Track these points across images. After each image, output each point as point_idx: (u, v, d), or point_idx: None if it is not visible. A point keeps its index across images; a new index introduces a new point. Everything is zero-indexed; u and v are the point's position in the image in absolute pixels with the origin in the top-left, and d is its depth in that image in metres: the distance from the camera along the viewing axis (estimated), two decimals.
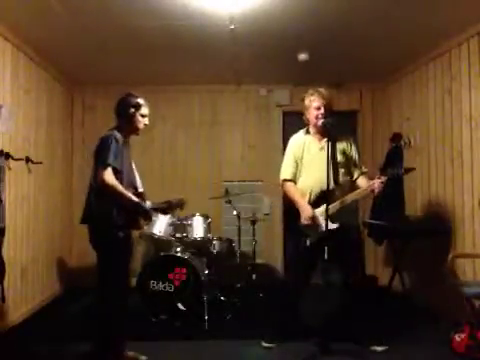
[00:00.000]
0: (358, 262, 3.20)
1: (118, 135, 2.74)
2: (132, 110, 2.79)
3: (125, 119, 2.81)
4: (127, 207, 2.66)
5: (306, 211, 3.02)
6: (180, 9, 3.19)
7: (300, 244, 3.07)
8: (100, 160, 2.64)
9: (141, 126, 2.85)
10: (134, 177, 2.92)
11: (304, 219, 3.00)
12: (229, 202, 4.50)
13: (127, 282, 2.88)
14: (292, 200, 3.15)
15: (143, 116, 2.83)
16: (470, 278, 3.46)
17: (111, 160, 2.60)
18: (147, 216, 2.77)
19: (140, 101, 2.82)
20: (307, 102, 3.15)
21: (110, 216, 2.63)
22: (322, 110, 3.06)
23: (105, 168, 2.59)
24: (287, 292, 3.24)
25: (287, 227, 3.39)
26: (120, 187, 2.63)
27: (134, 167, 2.96)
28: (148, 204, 2.82)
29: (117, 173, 2.65)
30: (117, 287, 2.74)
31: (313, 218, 3.00)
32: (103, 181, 2.58)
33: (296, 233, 3.13)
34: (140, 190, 2.95)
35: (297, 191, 3.15)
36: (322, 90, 3.10)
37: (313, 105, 3.09)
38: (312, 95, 3.11)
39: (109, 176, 2.58)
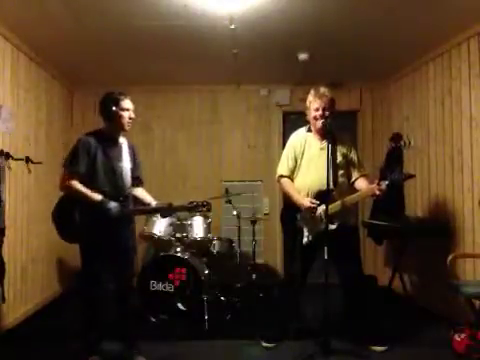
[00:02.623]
0: (358, 263, 3.17)
1: (87, 138, 2.73)
2: (113, 108, 2.75)
3: (109, 118, 2.78)
4: (91, 206, 2.63)
5: (304, 201, 3.01)
6: (180, 9, 3.20)
7: (296, 243, 3.07)
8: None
9: (125, 121, 2.78)
10: (118, 178, 2.77)
11: (306, 206, 3.00)
12: (229, 202, 4.50)
13: (111, 283, 2.80)
14: (288, 195, 3.15)
15: (125, 110, 2.77)
16: (470, 278, 3.46)
17: (68, 164, 2.69)
18: (111, 215, 2.63)
19: (118, 96, 2.77)
20: (308, 102, 3.14)
21: (72, 216, 2.68)
22: (320, 111, 3.04)
23: (63, 172, 2.70)
24: (286, 292, 3.25)
25: (284, 226, 3.36)
26: (77, 188, 2.63)
27: (124, 167, 2.81)
28: (113, 204, 2.64)
29: (74, 175, 2.65)
30: (90, 286, 2.75)
31: (312, 207, 2.99)
32: (59, 184, 2.70)
33: (292, 232, 3.13)
34: (128, 192, 2.81)
35: (293, 187, 3.15)
36: (322, 91, 3.06)
37: (312, 106, 3.08)
38: (312, 96, 3.09)
39: (63, 180, 2.68)
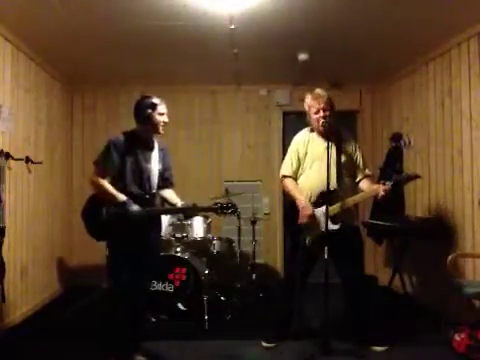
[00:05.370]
0: (360, 264, 3.18)
1: (118, 139, 2.76)
2: (149, 111, 2.76)
3: (144, 121, 2.79)
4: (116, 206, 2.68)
5: (305, 209, 3.01)
6: (180, 9, 3.19)
7: (299, 243, 3.06)
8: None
9: (161, 125, 2.81)
10: (145, 180, 2.80)
11: (302, 217, 3.00)
12: None
13: (137, 282, 2.77)
14: (291, 196, 3.14)
15: (161, 115, 2.80)
16: (470, 278, 3.46)
17: (100, 162, 2.74)
18: (131, 217, 2.63)
19: (155, 101, 2.80)
20: (306, 106, 3.14)
21: (99, 214, 2.71)
22: (321, 113, 3.04)
23: (94, 169, 2.76)
24: (286, 291, 3.25)
25: (287, 225, 3.37)
26: (104, 185, 2.68)
27: (151, 169, 2.82)
28: (135, 207, 2.65)
29: (105, 174, 2.71)
30: (117, 284, 2.77)
31: (311, 216, 2.99)
32: (89, 180, 2.77)
33: (295, 232, 3.12)
34: (153, 191, 2.83)
35: (296, 187, 3.14)
36: (318, 92, 3.08)
37: (312, 110, 3.09)
38: (309, 99, 3.10)
39: (92, 176, 2.74)
